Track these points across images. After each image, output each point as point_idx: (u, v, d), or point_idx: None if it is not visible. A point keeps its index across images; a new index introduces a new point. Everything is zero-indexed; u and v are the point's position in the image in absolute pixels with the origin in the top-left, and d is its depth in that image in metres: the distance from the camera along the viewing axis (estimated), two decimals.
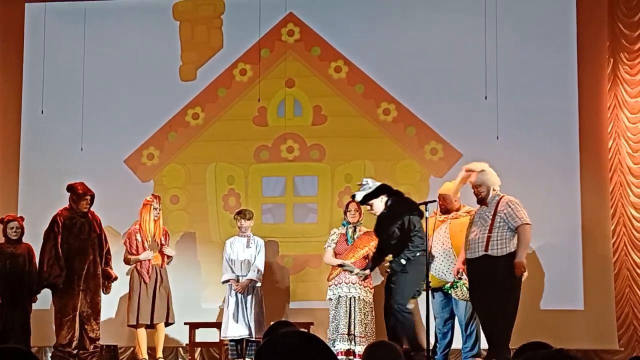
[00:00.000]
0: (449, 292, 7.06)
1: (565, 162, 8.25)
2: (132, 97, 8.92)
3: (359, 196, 6.78)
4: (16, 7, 9.14)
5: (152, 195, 8.14)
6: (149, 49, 8.95)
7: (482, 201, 6.63)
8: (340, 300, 7.51)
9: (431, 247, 7.10)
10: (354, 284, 7.49)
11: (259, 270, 7.82)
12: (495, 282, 6.41)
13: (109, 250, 8.01)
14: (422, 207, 7.13)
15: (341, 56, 8.74)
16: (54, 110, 8.91)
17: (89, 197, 7.86)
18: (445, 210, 7.31)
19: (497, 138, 8.31)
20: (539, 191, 8.07)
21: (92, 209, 7.97)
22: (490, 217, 6.51)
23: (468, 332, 7.21)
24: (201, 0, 9.01)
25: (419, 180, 8.56)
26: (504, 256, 6.44)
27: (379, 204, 6.79)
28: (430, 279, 6.90)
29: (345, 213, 7.84)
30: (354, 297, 7.48)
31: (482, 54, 8.34)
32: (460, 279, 6.93)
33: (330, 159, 8.70)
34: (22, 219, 8.09)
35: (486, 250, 6.46)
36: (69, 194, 7.89)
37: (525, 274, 6.54)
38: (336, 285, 7.59)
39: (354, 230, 7.74)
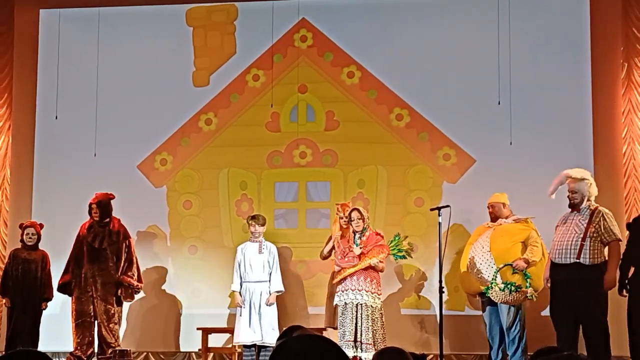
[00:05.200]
0: (487, 294, 7.10)
1: (579, 167, 8.19)
2: (145, 103, 8.95)
3: None
4: (31, 13, 9.19)
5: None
6: (162, 55, 8.98)
7: (573, 207, 6.84)
8: (347, 307, 7.49)
9: (472, 255, 7.30)
10: (359, 290, 7.47)
11: (279, 288, 7.84)
12: (585, 290, 6.60)
13: (131, 259, 8.03)
14: (435, 212, 7.16)
15: (354, 62, 8.74)
16: (68, 116, 8.95)
17: (94, 206, 8.01)
18: (495, 218, 7.50)
19: (510, 143, 8.28)
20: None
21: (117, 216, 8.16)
22: (585, 225, 6.69)
23: (510, 337, 7.21)
24: (214, 6, 9.04)
25: (432, 186, 8.55)
26: (595, 266, 6.64)
27: None
28: (472, 284, 7.13)
29: (349, 222, 7.81)
30: (360, 304, 7.45)
31: (495, 59, 8.32)
32: (494, 279, 6.97)
33: (342, 165, 8.70)
34: (41, 225, 8.15)
35: (578, 258, 6.65)
36: None
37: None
38: (343, 292, 7.56)
39: (360, 237, 7.69)
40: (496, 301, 7.08)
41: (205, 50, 8.98)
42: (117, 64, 9.00)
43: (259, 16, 8.85)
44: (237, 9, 9.00)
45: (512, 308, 7.16)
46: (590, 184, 6.85)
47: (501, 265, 7.03)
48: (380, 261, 7.53)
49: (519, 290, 6.93)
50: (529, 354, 7.19)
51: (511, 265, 7.06)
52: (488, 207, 7.56)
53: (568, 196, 6.89)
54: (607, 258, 6.69)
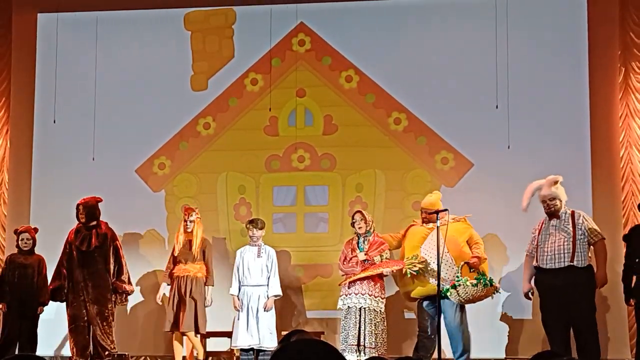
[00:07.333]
0: (448, 295, 7.07)
1: (577, 171, 8.22)
2: (144, 107, 8.95)
3: None
4: (29, 17, 9.19)
5: (184, 207, 8.22)
6: (160, 59, 8.99)
7: (553, 214, 7.03)
8: (350, 311, 7.49)
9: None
10: (363, 294, 7.48)
11: (277, 293, 7.81)
12: (579, 293, 6.82)
13: (120, 262, 8.02)
14: (433, 216, 7.17)
15: (352, 66, 8.75)
16: (65, 120, 8.95)
17: (80, 207, 8.04)
18: (427, 221, 7.53)
19: (508, 147, 8.30)
20: None
21: (104, 220, 8.10)
22: (571, 229, 6.91)
23: (457, 337, 7.25)
24: (212, 10, 9.05)
25: (430, 189, 8.52)
26: (586, 267, 6.91)
27: None
28: (422, 286, 7.20)
29: (352, 224, 7.82)
30: (364, 308, 7.45)
31: (493, 63, 8.34)
32: (458, 277, 7.01)
33: (341, 169, 8.71)
34: (35, 230, 8.15)
35: (572, 261, 6.86)
36: None
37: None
38: (346, 296, 7.57)
39: (364, 241, 7.71)
40: (459, 299, 7.02)
41: (203, 54, 8.99)
42: (115, 68, 9.00)
43: (257, 20, 8.86)
44: (235, 13, 9.01)
45: (458, 309, 7.21)
46: (562, 188, 7.10)
47: (462, 264, 7.15)
48: (392, 272, 7.58)
49: (492, 283, 7.00)
50: (527, 357, 7.22)
51: (468, 263, 7.17)
52: (422, 211, 7.61)
53: (546, 205, 7.03)
54: (595, 258, 6.85)
